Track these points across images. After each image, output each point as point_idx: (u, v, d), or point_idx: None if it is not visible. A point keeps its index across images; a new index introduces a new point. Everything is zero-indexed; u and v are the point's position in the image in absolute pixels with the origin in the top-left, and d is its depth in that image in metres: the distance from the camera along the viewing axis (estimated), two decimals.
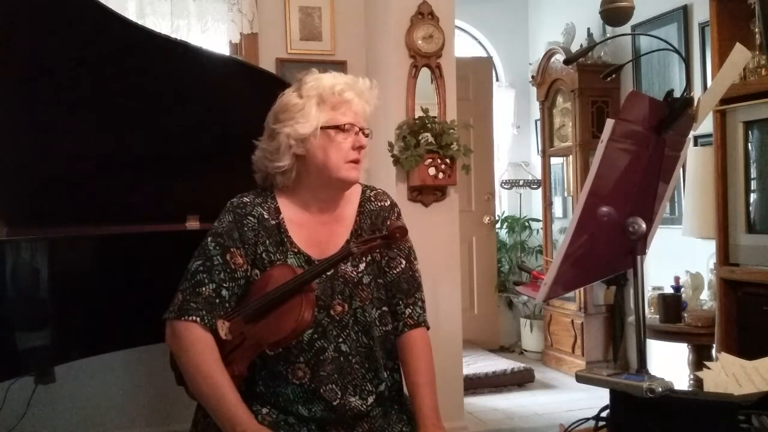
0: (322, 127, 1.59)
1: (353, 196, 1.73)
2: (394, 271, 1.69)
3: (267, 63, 3.58)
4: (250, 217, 1.64)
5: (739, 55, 1.53)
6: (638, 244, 1.33)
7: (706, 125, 2.67)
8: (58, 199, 2.34)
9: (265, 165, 1.65)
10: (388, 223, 1.68)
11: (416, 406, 1.59)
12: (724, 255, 2.91)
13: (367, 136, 1.65)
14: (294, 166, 1.63)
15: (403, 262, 1.70)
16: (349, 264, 1.63)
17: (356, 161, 1.62)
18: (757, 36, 2.82)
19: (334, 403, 1.57)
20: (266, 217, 1.65)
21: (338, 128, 1.60)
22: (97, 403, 3.24)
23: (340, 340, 1.60)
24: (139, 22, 3.08)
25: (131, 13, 3.38)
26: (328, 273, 1.60)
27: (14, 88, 2.13)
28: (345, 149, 1.60)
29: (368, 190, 1.76)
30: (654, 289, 3.60)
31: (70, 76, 2.18)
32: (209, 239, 1.61)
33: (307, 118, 1.59)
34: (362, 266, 1.65)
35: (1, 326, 2.02)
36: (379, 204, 1.73)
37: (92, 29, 2.13)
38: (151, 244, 2.36)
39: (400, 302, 1.68)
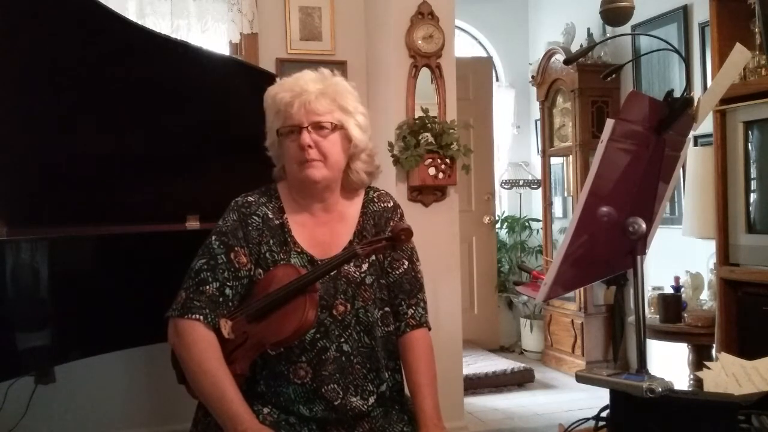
0: (277, 135, 1.64)
1: (356, 196, 1.73)
2: (397, 272, 1.69)
3: (267, 63, 3.57)
4: (254, 217, 1.64)
5: (739, 55, 1.53)
6: (638, 244, 1.33)
7: (706, 125, 2.67)
8: (58, 199, 2.34)
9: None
10: (392, 224, 1.67)
11: (417, 406, 1.59)
12: (724, 255, 2.91)
13: (324, 130, 1.59)
14: (285, 171, 1.69)
15: (406, 262, 1.70)
16: (351, 264, 1.63)
17: (308, 160, 1.59)
18: (757, 36, 2.82)
19: (336, 403, 1.57)
20: (270, 216, 1.65)
21: (279, 133, 1.62)
22: (97, 403, 3.24)
23: (342, 340, 1.60)
24: (139, 22, 3.08)
25: (131, 13, 3.37)
26: (332, 273, 1.60)
27: (14, 88, 2.13)
28: (293, 151, 1.61)
29: (371, 191, 1.76)
30: (654, 289, 3.60)
31: (70, 76, 2.18)
32: (213, 238, 1.62)
33: (269, 128, 1.67)
34: (365, 267, 1.65)
35: (1, 326, 2.02)
36: (382, 205, 1.73)
37: (92, 29, 2.13)
38: (151, 244, 2.36)
39: (402, 303, 1.68)
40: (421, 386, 1.60)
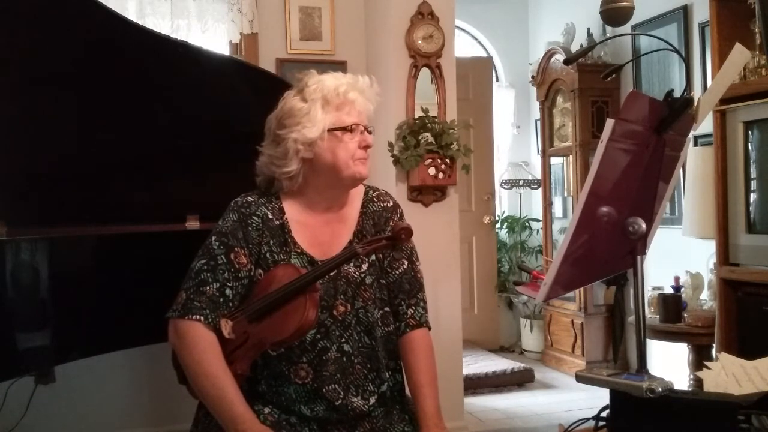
0: (329, 129, 1.60)
1: (356, 196, 1.73)
2: (397, 272, 1.69)
3: (267, 63, 3.57)
4: (254, 217, 1.64)
5: (739, 55, 1.53)
6: (638, 244, 1.34)
7: (706, 125, 2.67)
8: (58, 199, 2.34)
9: (272, 170, 1.65)
10: (392, 224, 1.68)
11: (418, 406, 1.59)
12: (724, 255, 2.91)
13: (371, 133, 1.66)
14: (301, 169, 1.63)
15: (406, 262, 1.70)
16: (351, 264, 1.63)
17: (364, 159, 1.64)
18: (757, 36, 2.82)
19: (337, 403, 1.57)
20: (270, 217, 1.65)
21: (345, 129, 1.61)
22: (97, 403, 3.24)
23: (343, 340, 1.60)
24: (139, 22, 3.08)
25: (131, 13, 3.37)
26: (332, 273, 1.60)
27: (15, 88, 2.13)
28: (352, 149, 1.61)
29: (371, 191, 1.76)
30: (654, 289, 3.60)
31: (70, 76, 2.18)
32: (213, 238, 1.61)
33: (313, 121, 1.59)
34: (365, 267, 1.65)
35: (1, 326, 2.02)
36: (381, 205, 1.73)
37: (93, 30, 2.13)
38: (151, 244, 2.36)
39: (402, 303, 1.68)
40: (421, 386, 1.60)
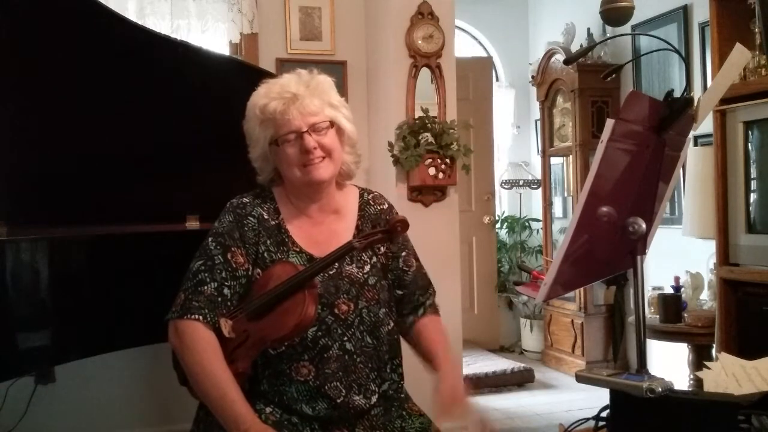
0: (270, 144, 1.63)
1: (350, 195, 1.75)
2: (411, 270, 1.77)
3: (267, 63, 3.57)
4: (250, 218, 1.64)
5: (739, 55, 1.53)
6: (638, 244, 1.34)
7: (706, 125, 2.66)
8: (58, 199, 2.34)
9: (259, 177, 1.73)
10: (387, 217, 1.72)
11: (435, 365, 1.68)
12: (724, 255, 2.91)
13: (321, 130, 1.61)
14: (276, 175, 1.70)
15: (414, 261, 1.79)
16: (354, 265, 1.65)
17: (314, 161, 1.60)
18: (757, 36, 2.82)
19: (338, 401, 1.57)
20: (266, 217, 1.66)
21: (278, 143, 1.61)
22: (97, 403, 3.24)
23: (345, 338, 1.60)
24: (139, 22, 3.08)
25: (131, 13, 3.37)
26: (331, 272, 1.61)
27: (15, 88, 2.13)
28: (294, 157, 1.61)
29: (365, 193, 1.78)
30: (654, 289, 3.60)
31: (70, 76, 2.18)
32: (210, 239, 1.62)
33: (255, 141, 1.66)
34: (367, 268, 1.67)
35: (1, 326, 2.02)
36: (378, 207, 1.76)
37: (92, 30, 2.13)
38: (151, 244, 2.36)
39: (420, 296, 1.80)
40: (444, 361, 1.69)
